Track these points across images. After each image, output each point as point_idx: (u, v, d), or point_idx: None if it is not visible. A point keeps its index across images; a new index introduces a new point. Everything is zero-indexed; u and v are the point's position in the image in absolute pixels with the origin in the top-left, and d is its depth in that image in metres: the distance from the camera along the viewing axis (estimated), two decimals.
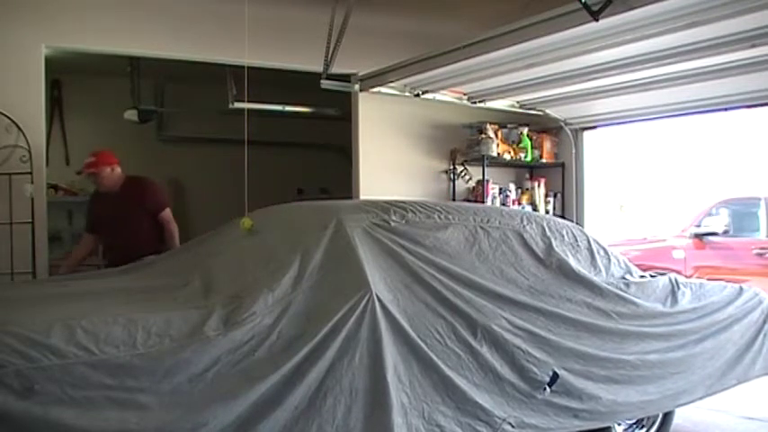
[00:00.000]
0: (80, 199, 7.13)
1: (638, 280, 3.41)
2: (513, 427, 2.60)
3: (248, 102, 4.28)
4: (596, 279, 3.18)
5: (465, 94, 5.67)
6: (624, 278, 3.37)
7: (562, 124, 6.32)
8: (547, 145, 6.37)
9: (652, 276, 3.55)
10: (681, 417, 3.86)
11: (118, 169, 4.56)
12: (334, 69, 4.93)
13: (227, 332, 2.20)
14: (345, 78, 5.23)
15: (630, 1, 3.16)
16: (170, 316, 2.24)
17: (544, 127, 6.40)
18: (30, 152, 4.49)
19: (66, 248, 7.04)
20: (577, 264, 3.18)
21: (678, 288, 3.43)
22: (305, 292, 2.46)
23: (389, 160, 5.92)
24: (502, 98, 5.72)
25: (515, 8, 4.45)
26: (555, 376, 2.74)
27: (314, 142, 8.16)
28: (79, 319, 2.10)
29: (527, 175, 6.58)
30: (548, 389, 2.72)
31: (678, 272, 6.04)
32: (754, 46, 3.70)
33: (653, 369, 3.10)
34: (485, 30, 4.09)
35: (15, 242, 4.36)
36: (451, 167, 6.20)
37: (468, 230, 3.00)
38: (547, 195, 6.43)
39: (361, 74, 5.25)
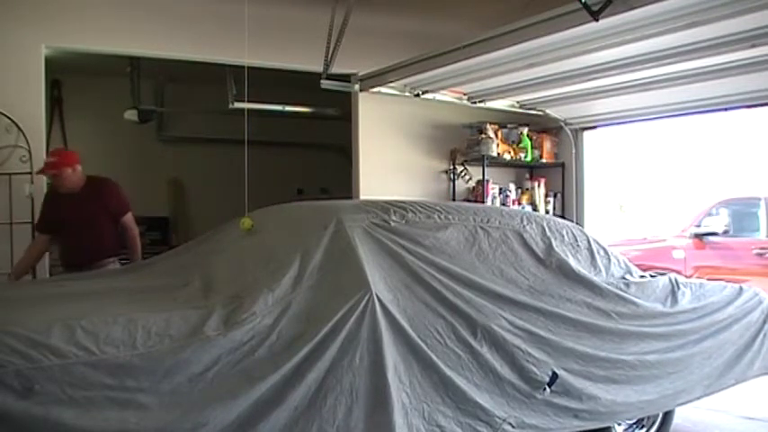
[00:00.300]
0: None
1: (638, 280, 3.41)
2: (513, 427, 2.60)
3: (248, 102, 4.28)
4: (596, 279, 3.18)
5: (465, 94, 5.67)
6: (624, 278, 3.37)
7: (562, 124, 6.32)
8: (547, 145, 6.37)
9: (652, 276, 3.55)
10: (680, 417, 3.86)
11: (79, 169, 4.34)
12: (334, 69, 4.93)
13: (227, 332, 2.20)
14: (345, 78, 5.23)
15: (630, 1, 3.16)
16: (170, 316, 2.23)
17: (544, 127, 6.40)
18: (30, 152, 4.50)
19: None
20: (577, 264, 3.18)
21: (678, 288, 3.43)
22: (305, 292, 2.46)
23: (389, 160, 5.92)
24: (502, 98, 5.72)
25: (515, 8, 4.45)
26: (554, 376, 2.74)
27: (314, 142, 8.16)
28: (79, 319, 2.10)
29: (527, 175, 6.58)
30: (547, 389, 2.72)
31: (678, 272, 6.04)
32: (754, 46, 3.71)
33: (651, 369, 3.10)
34: (485, 30, 4.10)
35: (15, 242, 4.37)
36: (451, 167, 6.21)
37: (468, 230, 3.00)
38: (547, 195, 6.43)
39: (361, 74, 5.25)
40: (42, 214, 4.29)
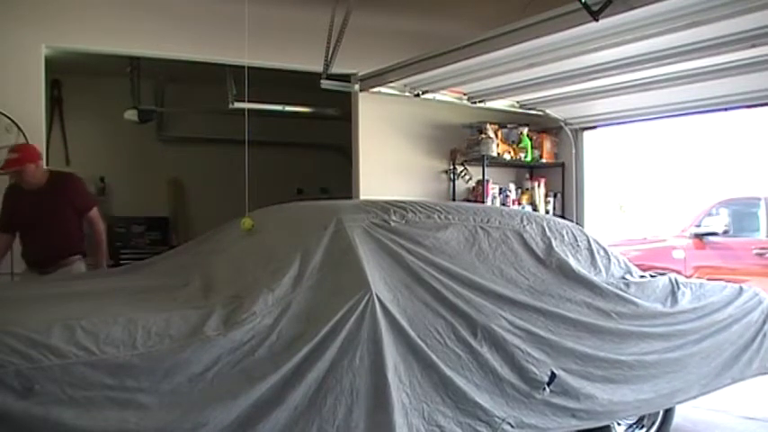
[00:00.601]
0: None
1: (638, 280, 3.41)
2: (512, 426, 2.60)
3: (248, 102, 4.28)
4: (596, 279, 3.18)
5: (465, 94, 5.68)
6: (624, 278, 3.37)
7: (562, 124, 6.33)
8: (547, 145, 6.38)
9: (652, 276, 3.55)
10: (681, 416, 3.86)
11: (42, 164, 4.21)
12: (335, 69, 4.94)
13: (227, 332, 2.20)
14: (345, 78, 5.23)
15: (630, 1, 3.16)
16: (170, 316, 2.23)
17: (544, 127, 6.40)
18: None
19: None
20: (577, 264, 3.18)
21: (678, 288, 3.43)
22: (305, 292, 2.46)
23: (389, 160, 5.92)
24: (502, 98, 5.72)
25: (515, 8, 4.46)
26: (553, 376, 2.75)
27: (314, 142, 8.16)
28: (79, 319, 2.10)
29: (527, 175, 6.58)
30: (546, 389, 2.73)
31: (678, 272, 6.05)
32: (754, 46, 3.71)
33: (650, 369, 3.10)
34: (485, 30, 4.10)
35: (15, 242, 4.36)
36: (451, 167, 6.21)
37: (468, 230, 3.00)
38: (547, 195, 6.43)
39: (361, 74, 5.26)
40: (4, 212, 4.15)
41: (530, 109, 5.98)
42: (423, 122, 6.07)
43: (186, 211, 7.99)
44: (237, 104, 6.04)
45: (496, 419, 2.56)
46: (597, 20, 3.25)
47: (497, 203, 6.08)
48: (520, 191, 6.37)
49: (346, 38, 4.64)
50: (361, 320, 2.37)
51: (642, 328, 3.16)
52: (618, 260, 3.46)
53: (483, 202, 5.91)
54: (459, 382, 2.52)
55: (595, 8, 3.22)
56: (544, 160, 6.36)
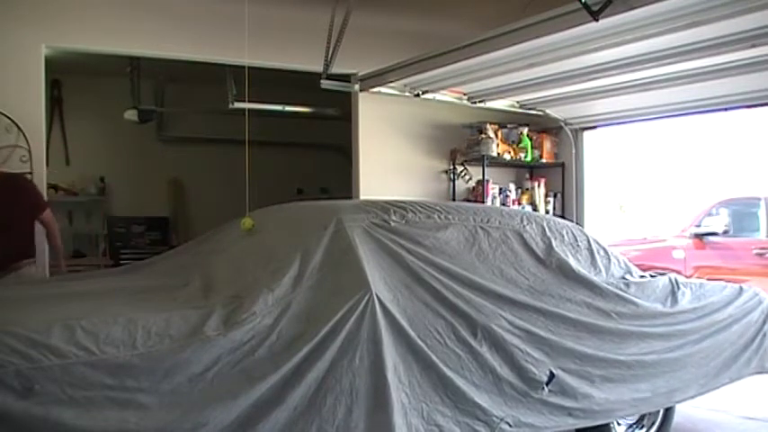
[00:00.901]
0: (80, 199, 7.18)
1: (638, 280, 3.41)
2: (510, 426, 2.60)
3: (248, 102, 4.28)
4: (596, 279, 3.18)
5: (465, 94, 5.67)
6: (624, 278, 3.37)
7: (562, 124, 6.33)
8: (547, 145, 6.37)
9: (652, 276, 3.55)
10: (681, 416, 3.86)
11: None
12: (335, 69, 4.93)
13: (227, 332, 2.20)
14: (345, 78, 5.23)
15: (630, 1, 3.16)
16: (170, 316, 2.23)
17: (544, 127, 6.40)
18: (30, 152, 4.49)
19: (66, 248, 7.09)
20: (577, 264, 3.18)
21: (678, 288, 3.43)
22: (305, 292, 2.46)
23: (389, 160, 5.92)
24: (502, 98, 5.72)
25: (515, 8, 4.45)
26: (552, 376, 2.75)
27: (314, 142, 8.16)
28: (79, 319, 2.10)
29: (527, 175, 6.58)
30: (545, 388, 2.73)
31: (678, 272, 6.05)
32: (754, 46, 3.71)
33: (648, 369, 3.11)
34: (485, 30, 4.10)
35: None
36: (451, 167, 6.21)
37: (468, 230, 3.00)
38: (547, 195, 6.43)
39: (361, 74, 5.26)
40: None
41: (530, 109, 5.98)
42: (423, 122, 6.06)
43: (186, 211, 7.99)
44: (237, 104, 6.03)
45: (495, 419, 2.57)
46: (597, 20, 3.25)
47: (497, 203, 6.07)
48: (520, 191, 6.37)
49: (346, 38, 4.64)
50: (361, 320, 2.37)
51: (642, 328, 3.16)
52: (618, 260, 3.46)
53: (483, 202, 5.91)
54: (459, 381, 2.52)
55: (595, 8, 3.22)
56: (544, 160, 6.36)
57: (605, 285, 3.16)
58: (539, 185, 6.39)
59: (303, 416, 2.19)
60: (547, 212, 6.22)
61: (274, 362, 2.21)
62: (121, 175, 7.46)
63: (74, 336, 2.02)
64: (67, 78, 7.09)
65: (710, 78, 4.43)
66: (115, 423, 1.94)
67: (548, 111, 6.05)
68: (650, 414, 3.51)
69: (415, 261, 2.70)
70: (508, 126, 6.20)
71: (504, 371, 2.65)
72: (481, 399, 2.55)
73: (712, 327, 3.43)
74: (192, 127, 7.84)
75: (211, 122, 7.49)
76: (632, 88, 4.90)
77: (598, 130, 6.39)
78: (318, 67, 4.94)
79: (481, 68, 4.65)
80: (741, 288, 3.71)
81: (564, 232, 3.32)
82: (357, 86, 5.30)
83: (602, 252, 3.40)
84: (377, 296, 2.44)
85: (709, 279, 4.16)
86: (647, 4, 3.16)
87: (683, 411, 3.88)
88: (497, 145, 5.95)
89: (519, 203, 6.26)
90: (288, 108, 6.91)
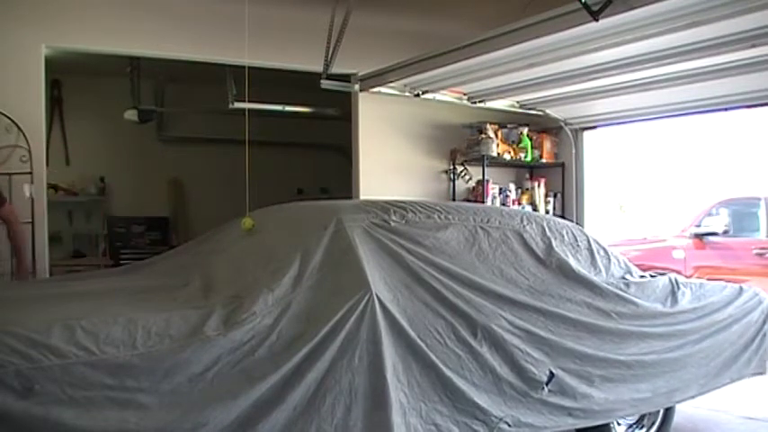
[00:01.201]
0: (80, 199, 7.18)
1: (638, 280, 3.41)
2: (509, 426, 2.61)
3: (248, 102, 4.28)
4: (596, 279, 3.18)
5: (465, 94, 5.67)
6: (624, 278, 3.37)
7: (562, 124, 6.32)
8: (547, 145, 6.37)
9: (652, 276, 3.55)
10: (681, 416, 3.86)
11: None
12: (335, 69, 4.93)
13: (227, 332, 2.20)
14: (345, 78, 5.23)
15: (630, 1, 3.16)
16: (170, 316, 2.24)
17: (544, 127, 6.40)
18: (30, 152, 4.49)
19: (65, 248, 7.10)
20: (577, 264, 3.18)
21: (678, 288, 3.43)
22: (305, 292, 2.46)
23: (389, 160, 5.92)
24: (502, 98, 5.72)
25: (515, 8, 4.45)
26: (552, 376, 2.75)
27: (314, 142, 8.16)
28: (79, 319, 2.10)
29: (527, 175, 6.58)
30: (545, 388, 2.73)
31: (678, 272, 6.05)
32: (754, 46, 3.70)
33: (648, 369, 3.11)
34: (485, 30, 4.10)
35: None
36: (451, 167, 6.20)
37: (468, 230, 3.00)
38: (547, 195, 6.43)
39: (361, 74, 5.26)
40: None
41: (530, 109, 5.98)
42: (423, 122, 6.06)
43: (186, 211, 7.98)
44: (237, 104, 6.03)
45: (493, 418, 2.57)
46: (597, 20, 3.25)
47: (497, 203, 6.07)
48: (520, 191, 6.37)
49: (346, 38, 4.64)
50: (361, 320, 2.37)
51: (642, 328, 3.16)
52: (618, 260, 3.46)
53: (483, 202, 5.91)
54: (458, 381, 2.52)
55: (595, 8, 3.22)
56: (544, 160, 6.36)
57: (605, 285, 3.16)
58: (539, 185, 6.39)
59: (303, 415, 2.19)
60: (547, 212, 6.22)
61: (274, 362, 2.21)
62: (121, 175, 7.46)
63: (74, 336, 2.02)
64: (67, 78, 7.09)
65: (710, 78, 4.43)
66: (115, 423, 1.94)
67: (548, 111, 6.05)
68: (650, 414, 3.51)
69: (415, 261, 2.70)
70: (508, 126, 6.20)
71: (503, 371, 2.65)
72: (480, 398, 2.55)
73: (712, 327, 3.43)
74: (191, 127, 7.84)
75: (211, 122, 7.49)
76: (632, 88, 4.90)
77: (598, 130, 6.39)
78: (318, 67, 4.94)
79: (481, 68, 4.65)
80: (741, 288, 3.71)
81: (564, 232, 3.32)
82: (357, 86, 5.30)
83: (602, 252, 3.40)
84: (377, 296, 2.44)
85: (709, 279, 4.16)
86: (647, 4, 3.15)
87: (683, 411, 3.88)
88: (497, 145, 5.95)
89: (519, 203, 6.26)
90: (288, 108, 6.90)
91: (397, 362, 2.41)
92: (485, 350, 2.63)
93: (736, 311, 3.56)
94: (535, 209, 6.21)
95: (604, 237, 4.47)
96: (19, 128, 4.45)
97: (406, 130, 6.00)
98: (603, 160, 6.84)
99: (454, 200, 6.13)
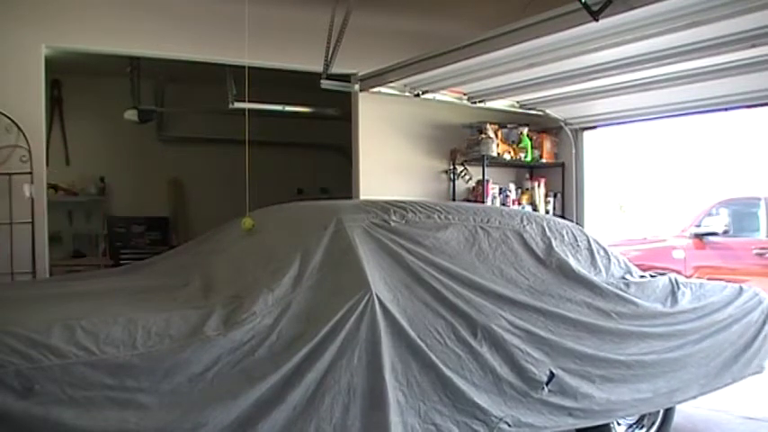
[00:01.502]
0: (80, 199, 7.18)
1: (638, 280, 3.41)
2: (509, 426, 2.61)
3: (248, 102, 4.28)
4: (596, 279, 3.18)
5: (465, 94, 5.67)
6: (624, 278, 3.37)
7: (562, 124, 6.32)
8: (547, 145, 6.37)
9: (652, 276, 3.55)
10: (681, 416, 3.86)
11: None
12: (335, 69, 4.93)
13: (227, 332, 2.20)
14: (345, 78, 5.23)
15: (630, 1, 3.16)
16: (170, 316, 2.24)
17: (544, 127, 6.40)
18: (30, 152, 4.49)
19: (65, 248, 7.10)
20: (577, 264, 3.18)
21: (678, 288, 3.43)
22: (305, 292, 2.46)
23: (389, 160, 5.92)
24: (502, 98, 5.72)
25: (515, 8, 4.45)
26: (552, 376, 2.75)
27: (314, 142, 8.16)
28: (79, 319, 2.10)
29: (527, 175, 6.58)
30: (545, 388, 2.73)
31: (678, 272, 6.05)
32: (754, 46, 3.70)
33: (648, 369, 3.11)
34: (485, 30, 4.09)
35: (15, 242, 4.36)
36: (451, 167, 6.20)
37: (468, 230, 3.00)
38: (547, 195, 6.42)
39: (361, 74, 5.25)
40: None
41: (530, 109, 5.98)
42: (423, 122, 6.06)
43: (186, 211, 7.99)
44: (237, 104, 6.03)
45: (493, 418, 2.57)
46: (597, 20, 3.25)
47: (497, 203, 6.07)
48: (520, 191, 6.36)
49: (346, 38, 4.63)
50: (361, 320, 2.37)
51: (642, 328, 3.16)
52: (618, 260, 3.46)
53: (483, 202, 5.91)
54: (458, 381, 2.52)
55: (595, 8, 3.22)
56: (544, 160, 6.36)
57: (605, 285, 3.16)
58: (539, 185, 6.39)
59: (302, 415, 2.20)
60: (547, 212, 6.22)
61: (274, 362, 2.21)
62: (121, 175, 7.46)
63: (74, 336, 2.02)
64: (67, 78, 7.09)
65: (710, 78, 4.43)
66: (115, 423, 1.94)
67: (548, 111, 6.05)
68: (650, 414, 3.51)
69: (415, 261, 2.70)
70: (508, 126, 6.20)
71: (503, 371, 2.65)
72: (480, 398, 2.55)
73: (712, 327, 3.43)
74: (192, 127, 7.84)
75: (211, 122, 7.49)
76: (632, 88, 4.90)
77: (598, 130, 6.38)
78: (318, 67, 4.94)
79: (481, 68, 4.65)
80: (741, 288, 3.71)
81: (564, 232, 3.32)
82: (357, 86, 5.30)
83: (602, 252, 3.40)
84: (377, 296, 2.44)
85: (709, 279, 4.16)
86: (647, 4, 3.15)
87: (683, 411, 3.88)
88: (497, 145, 5.95)
89: (519, 203, 6.26)
90: (288, 108, 6.90)
91: (397, 362, 2.41)
92: (485, 350, 2.63)
93: (736, 311, 3.56)
94: (535, 209, 6.21)
95: (604, 237, 4.47)
96: (19, 128, 4.45)
97: (406, 130, 6.00)
98: (603, 160, 6.84)
99: (454, 200, 6.13)
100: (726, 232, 7.26)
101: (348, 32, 4.59)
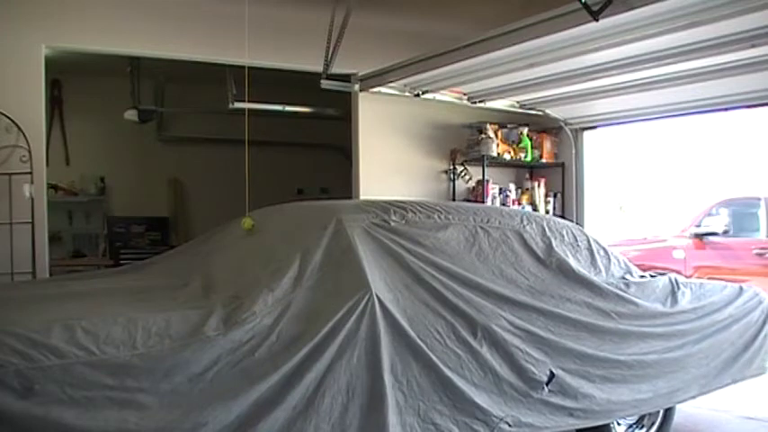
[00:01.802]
0: (80, 199, 7.18)
1: (638, 280, 3.41)
2: (510, 426, 2.61)
3: (248, 102, 4.28)
4: (596, 279, 3.18)
5: (465, 94, 5.67)
6: (624, 278, 3.37)
7: (562, 124, 6.32)
8: (547, 145, 6.37)
9: (652, 276, 3.55)
10: (681, 416, 3.86)
11: None
12: (335, 69, 4.93)
13: (227, 332, 2.20)
14: (345, 78, 5.23)
15: (630, 1, 3.16)
16: (170, 316, 2.24)
17: (544, 127, 6.40)
18: (30, 152, 4.49)
19: (65, 248, 7.10)
20: (577, 264, 3.18)
21: (678, 288, 3.43)
22: (305, 292, 2.46)
23: (389, 160, 5.92)
24: (502, 98, 5.72)
25: (515, 8, 4.45)
26: (552, 375, 2.75)
27: (314, 142, 8.16)
28: (79, 319, 2.10)
29: (527, 175, 6.58)
30: (545, 388, 2.73)
31: (678, 272, 6.04)
32: (754, 46, 3.70)
33: (648, 369, 3.11)
34: (485, 30, 4.09)
35: (15, 242, 4.36)
36: (451, 167, 6.20)
37: (468, 230, 3.00)
38: (547, 195, 6.42)
39: (361, 74, 5.26)
40: None
41: (530, 109, 5.98)
42: (423, 122, 6.06)
43: (186, 211, 7.99)
44: (237, 104, 6.03)
45: (494, 418, 2.57)
46: (597, 20, 3.25)
47: (497, 203, 6.07)
48: (520, 191, 6.36)
49: (346, 38, 4.64)
50: (361, 320, 2.37)
51: (642, 328, 3.16)
52: (618, 260, 3.46)
53: (483, 202, 5.91)
54: (458, 381, 2.52)
55: (595, 8, 3.22)
56: (544, 160, 6.36)
57: (605, 285, 3.16)
58: (539, 185, 6.39)
59: (302, 415, 2.20)
60: (547, 212, 6.22)
61: (274, 362, 2.21)
62: (121, 175, 7.46)
63: (74, 336, 2.02)
64: (67, 78, 7.09)
65: (710, 78, 4.43)
66: (115, 423, 1.94)
67: (548, 111, 6.05)
68: (650, 414, 3.51)
69: (415, 261, 2.70)
70: (508, 126, 6.20)
71: (503, 371, 2.65)
72: (480, 398, 2.55)
73: (712, 327, 3.43)
74: (191, 127, 7.85)
75: (211, 122, 7.49)
76: (632, 88, 4.90)
77: (598, 130, 6.38)
78: (318, 67, 4.94)
79: (481, 68, 4.65)
80: (741, 288, 3.71)
81: (564, 232, 3.32)
82: (357, 86, 5.30)
83: (602, 252, 3.40)
84: (377, 296, 2.44)
85: (709, 279, 4.16)
86: (647, 4, 3.15)
87: (683, 411, 3.88)
88: (497, 145, 5.95)
89: (519, 203, 6.26)
90: (288, 108, 6.91)
91: (397, 362, 2.41)
92: (485, 350, 2.63)
93: (736, 311, 3.56)
94: (535, 209, 6.21)
95: (604, 237, 4.47)
96: (19, 128, 4.45)
97: (406, 130, 6.00)
98: (603, 160, 6.83)
99: (454, 200, 6.13)
100: (726, 232, 7.26)
101: (348, 32, 4.59)
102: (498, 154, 5.96)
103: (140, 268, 3.55)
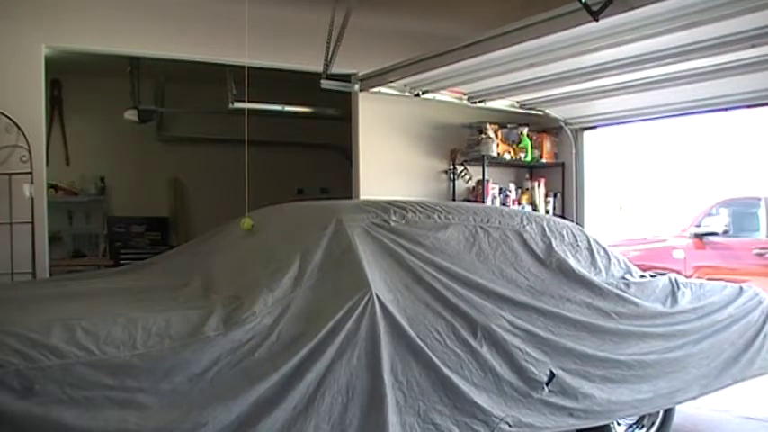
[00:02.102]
0: (80, 199, 7.18)
1: (638, 280, 3.41)
2: (510, 426, 2.60)
3: (248, 102, 4.28)
4: (596, 279, 3.18)
5: (465, 94, 5.67)
6: (624, 278, 3.37)
7: (562, 124, 6.32)
8: (547, 145, 6.37)
9: (652, 276, 3.55)
10: (681, 416, 3.86)
11: None
12: (335, 69, 4.93)
13: (227, 332, 2.20)
14: (345, 78, 5.23)
15: (630, 1, 3.16)
16: (170, 316, 2.24)
17: (544, 127, 6.40)
18: (30, 152, 4.49)
19: (65, 248, 7.10)
20: (577, 264, 3.18)
21: (678, 288, 3.43)
22: (305, 292, 2.46)
23: (389, 160, 5.92)
24: (502, 98, 5.72)
25: (515, 8, 4.45)
26: (552, 375, 2.75)
27: (314, 142, 8.16)
28: (79, 319, 2.10)
29: (527, 175, 6.58)
30: (545, 388, 2.73)
31: (678, 272, 6.04)
32: (754, 46, 3.71)
33: (648, 369, 3.10)
34: (485, 30, 4.10)
35: (15, 242, 4.36)
36: (451, 167, 6.20)
37: (468, 230, 3.00)
38: (547, 195, 6.43)
39: (361, 74, 5.26)
40: None
41: (530, 109, 5.98)
42: (423, 122, 6.06)
43: (186, 211, 7.99)
44: (237, 104, 6.03)
45: (494, 419, 2.56)
46: (597, 20, 3.25)
47: (497, 203, 6.07)
48: (520, 191, 6.37)
49: (346, 38, 4.64)
50: (361, 320, 2.37)
51: (642, 328, 3.16)
52: (618, 260, 3.46)
53: (483, 202, 5.91)
54: (458, 381, 2.52)
55: (595, 8, 3.22)
56: (544, 160, 6.36)
57: (605, 285, 3.16)
58: (539, 185, 6.39)
59: (302, 415, 2.20)
60: (547, 212, 6.22)
61: (274, 362, 2.21)
62: (121, 175, 7.47)
63: (74, 336, 2.02)
64: (67, 78, 7.09)
65: (710, 78, 4.43)
66: (115, 423, 1.94)
67: (548, 111, 6.05)
68: (650, 414, 3.51)
69: (415, 261, 2.70)
70: (508, 126, 6.20)
71: (503, 370, 2.65)
72: (480, 398, 2.55)
73: (712, 327, 3.43)
74: (192, 127, 7.85)
75: (211, 122, 7.49)
76: (632, 88, 4.90)
77: (598, 130, 6.39)
78: (318, 67, 4.94)
79: (481, 68, 4.65)
80: (741, 288, 3.71)
81: (564, 232, 3.32)
82: (357, 86, 5.30)
83: (602, 252, 3.40)
84: (377, 296, 2.44)
85: (709, 279, 4.16)
86: (647, 4, 3.15)
87: (683, 411, 3.88)
88: (497, 145, 5.95)
89: (519, 203, 6.26)
90: (288, 108, 6.91)
91: (397, 361, 2.41)
92: (485, 350, 2.63)
93: (736, 311, 3.56)
94: (535, 209, 6.22)
95: (604, 237, 4.47)
96: (19, 128, 4.45)
97: (406, 130, 6.00)
98: (603, 160, 6.84)
99: (454, 200, 6.13)
100: (726, 232, 7.25)
101: (348, 32, 4.59)
102: (498, 154, 5.96)
103: (140, 268, 3.55)
